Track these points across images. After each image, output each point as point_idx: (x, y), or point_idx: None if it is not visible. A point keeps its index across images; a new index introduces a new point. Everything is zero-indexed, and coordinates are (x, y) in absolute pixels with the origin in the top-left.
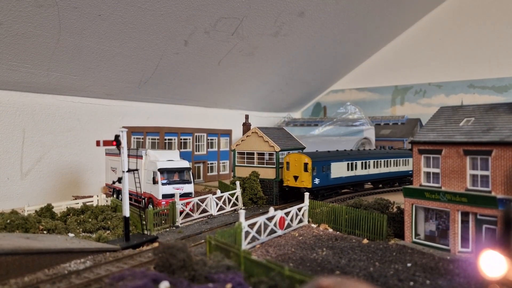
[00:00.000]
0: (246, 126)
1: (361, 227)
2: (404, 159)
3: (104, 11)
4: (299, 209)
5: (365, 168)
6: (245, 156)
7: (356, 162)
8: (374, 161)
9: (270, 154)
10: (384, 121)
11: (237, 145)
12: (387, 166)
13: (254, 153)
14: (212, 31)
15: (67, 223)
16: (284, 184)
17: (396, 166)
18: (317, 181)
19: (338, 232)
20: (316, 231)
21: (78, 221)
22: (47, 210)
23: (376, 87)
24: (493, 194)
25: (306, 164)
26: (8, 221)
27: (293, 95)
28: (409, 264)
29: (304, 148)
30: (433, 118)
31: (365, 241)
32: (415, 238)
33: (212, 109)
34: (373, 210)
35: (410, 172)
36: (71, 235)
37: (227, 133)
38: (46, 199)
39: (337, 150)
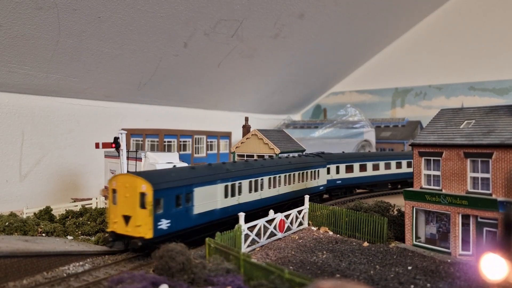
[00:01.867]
0: (246, 128)
1: (361, 230)
2: (314, 170)
3: (103, 13)
4: (299, 212)
5: (268, 188)
6: (245, 158)
7: (241, 183)
8: (278, 176)
9: (270, 157)
10: (384, 123)
11: (236, 147)
12: (302, 181)
13: (254, 155)
14: (212, 33)
15: (66, 226)
16: (109, 229)
17: (314, 179)
18: (164, 224)
19: (338, 235)
20: (316, 234)
21: (77, 223)
22: (46, 213)
23: (377, 89)
24: (493, 196)
25: (143, 195)
26: (7, 223)
27: (293, 97)
28: (409, 267)
29: (304, 150)
30: (434, 120)
31: (366, 244)
32: (415, 241)
33: (212, 111)
34: (374, 213)
35: (321, 188)
36: (70, 237)
37: (227, 135)
38: (45, 201)
39: (209, 165)
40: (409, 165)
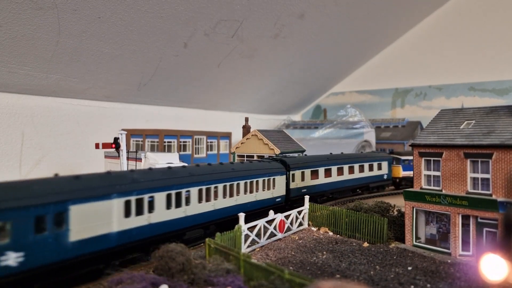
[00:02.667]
0: (246, 129)
1: (361, 230)
2: (268, 178)
3: (103, 13)
4: (299, 212)
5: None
6: (245, 158)
7: (153, 197)
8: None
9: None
10: (384, 124)
11: (236, 147)
12: (251, 192)
13: (254, 155)
14: (212, 33)
15: None
16: None
17: (268, 189)
18: (12, 259)
19: (338, 236)
20: (316, 234)
21: None
22: None
23: (377, 89)
24: (493, 197)
25: None
26: None
27: (293, 97)
28: (409, 268)
29: (304, 150)
30: (434, 121)
31: (366, 244)
32: (415, 241)
33: (212, 112)
34: (374, 213)
35: (278, 200)
36: None
37: (227, 136)
38: None
39: (107, 173)
40: (373, 167)
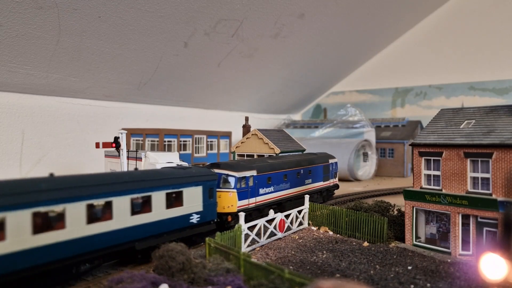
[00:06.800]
0: (246, 128)
1: (361, 229)
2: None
3: (104, 13)
4: (299, 212)
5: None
6: (245, 158)
7: None
8: None
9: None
10: (384, 123)
11: (237, 147)
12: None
13: (254, 155)
14: (212, 33)
15: None
16: None
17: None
18: None
19: (338, 235)
20: (316, 233)
21: None
22: None
23: (377, 89)
24: (494, 196)
25: None
26: None
27: (293, 97)
28: (409, 267)
29: (304, 150)
30: (434, 120)
31: (366, 244)
32: (415, 241)
33: (212, 111)
34: (374, 213)
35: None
36: None
37: (227, 135)
38: None
39: None
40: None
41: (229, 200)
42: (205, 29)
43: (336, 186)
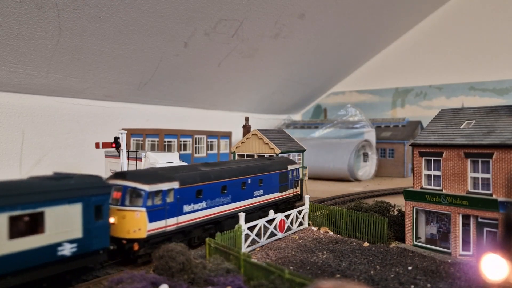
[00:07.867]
0: (246, 128)
1: (361, 230)
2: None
3: (104, 12)
4: (300, 212)
5: None
6: (245, 158)
7: None
8: None
9: (270, 156)
10: (384, 124)
11: (237, 147)
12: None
13: (254, 155)
14: (212, 33)
15: None
16: None
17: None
18: None
19: (338, 235)
20: (316, 234)
21: None
22: None
23: (377, 89)
24: (494, 197)
25: None
26: None
27: (293, 97)
28: (410, 268)
29: (304, 150)
30: (434, 120)
31: (366, 244)
32: (416, 241)
33: (212, 111)
34: (374, 213)
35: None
36: None
37: (227, 135)
38: None
39: None
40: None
41: (135, 222)
42: (205, 29)
43: (297, 197)
